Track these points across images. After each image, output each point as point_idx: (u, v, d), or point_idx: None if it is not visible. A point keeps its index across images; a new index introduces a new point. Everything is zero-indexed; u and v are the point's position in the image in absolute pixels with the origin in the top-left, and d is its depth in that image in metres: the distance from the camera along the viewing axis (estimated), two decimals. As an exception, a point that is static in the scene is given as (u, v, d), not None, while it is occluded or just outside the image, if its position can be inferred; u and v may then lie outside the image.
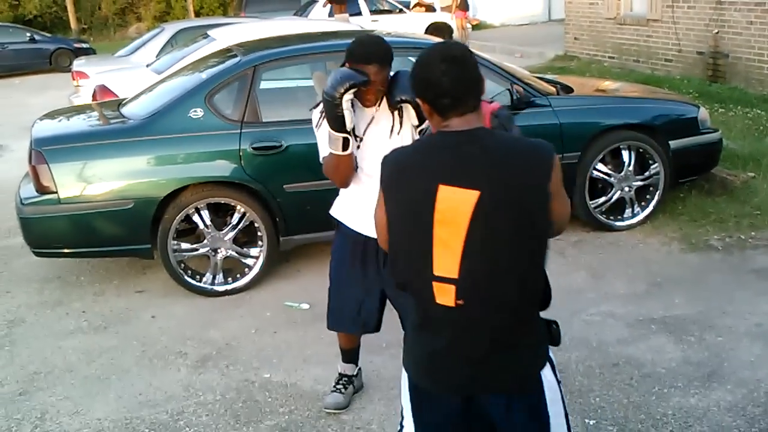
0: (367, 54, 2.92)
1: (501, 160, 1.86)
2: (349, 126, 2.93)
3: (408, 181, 1.93)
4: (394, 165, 1.98)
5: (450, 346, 1.95)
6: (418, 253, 1.91)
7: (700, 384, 3.64)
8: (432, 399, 2.02)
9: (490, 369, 1.94)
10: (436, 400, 2.01)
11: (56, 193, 4.65)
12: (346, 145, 2.99)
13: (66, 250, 4.92)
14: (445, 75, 1.88)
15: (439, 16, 19.17)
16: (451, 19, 18.14)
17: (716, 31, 10.93)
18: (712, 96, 9.91)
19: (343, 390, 3.63)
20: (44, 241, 4.85)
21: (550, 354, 2.04)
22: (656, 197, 5.68)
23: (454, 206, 1.83)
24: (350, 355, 3.65)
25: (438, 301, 1.90)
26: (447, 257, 1.86)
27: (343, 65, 2.99)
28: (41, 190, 4.70)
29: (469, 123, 1.91)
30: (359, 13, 18.27)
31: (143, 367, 4.12)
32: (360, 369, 3.73)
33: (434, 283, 1.89)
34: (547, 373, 1.99)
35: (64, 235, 4.81)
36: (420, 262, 1.90)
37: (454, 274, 1.86)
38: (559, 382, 2.04)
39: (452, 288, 1.87)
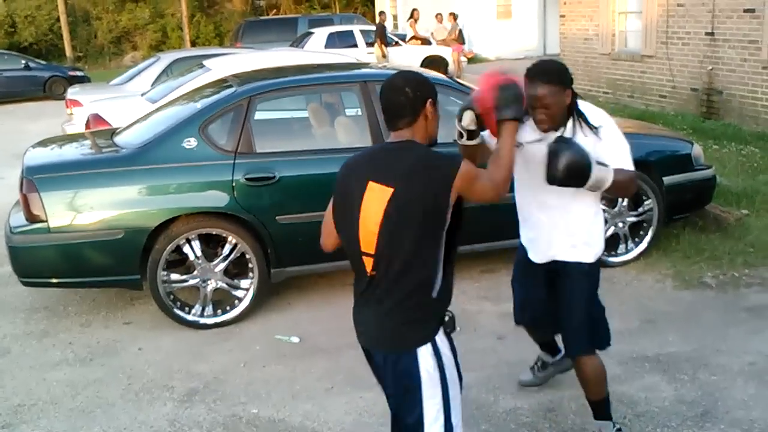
0: (529, 71, 2.97)
1: (414, 167, 2.38)
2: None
3: (350, 178, 2.50)
4: (346, 166, 2.57)
5: (365, 306, 2.52)
6: (350, 233, 2.47)
7: (693, 423, 3.59)
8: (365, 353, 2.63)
9: (379, 329, 2.49)
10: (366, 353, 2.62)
11: (46, 222, 4.61)
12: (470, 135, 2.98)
13: (54, 280, 4.86)
14: (385, 98, 2.49)
15: (434, 49, 19.33)
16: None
17: (710, 67, 11.04)
18: (706, 132, 9.97)
19: (537, 371, 3.93)
20: (33, 270, 4.79)
21: (438, 344, 2.44)
22: (650, 233, 5.67)
23: (375, 197, 2.39)
24: (542, 345, 3.85)
25: (366, 270, 2.45)
26: (368, 237, 2.41)
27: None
28: (31, 218, 4.65)
29: (402, 137, 2.47)
30: (355, 45, 18.41)
31: (128, 401, 4.04)
32: (560, 359, 3.82)
33: (363, 257, 2.45)
34: (424, 352, 2.41)
35: (52, 264, 4.75)
36: (353, 241, 2.47)
37: (372, 250, 2.41)
38: (442, 372, 2.43)
39: (371, 261, 2.43)
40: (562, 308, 3.26)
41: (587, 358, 3.25)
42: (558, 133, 3.02)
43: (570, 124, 3.03)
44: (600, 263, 3.26)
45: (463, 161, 2.44)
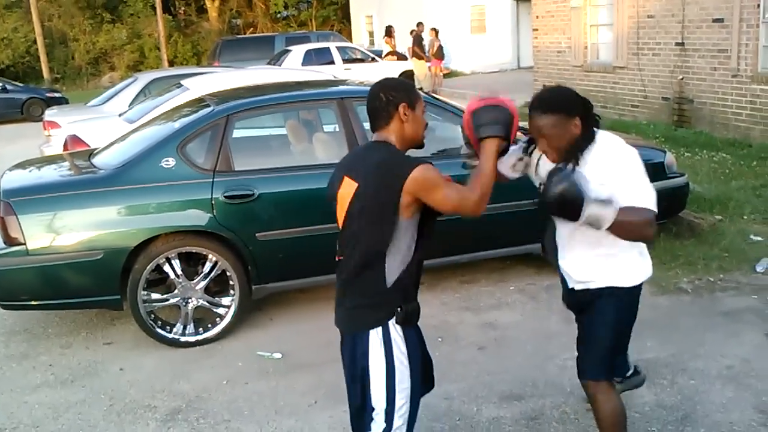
0: (531, 100, 2.89)
1: (376, 165, 2.57)
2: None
3: (336, 171, 2.76)
4: (338, 162, 2.85)
5: (337, 288, 2.76)
6: (337, 221, 2.74)
7: (673, 428, 3.64)
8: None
9: (340, 309, 2.74)
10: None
11: (24, 244, 4.58)
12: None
13: (34, 303, 4.81)
14: (367, 103, 2.70)
15: (410, 65, 19.46)
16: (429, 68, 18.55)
17: (681, 77, 11.22)
18: (678, 140, 10.12)
19: None
20: (11, 293, 4.76)
21: (390, 332, 2.61)
22: (626, 241, 5.72)
23: (346, 191, 2.65)
24: None
25: (337, 255, 2.74)
26: (340, 224, 2.70)
27: None
28: (9, 241, 4.62)
29: (380, 137, 2.68)
30: (332, 62, 18.50)
31: (111, 422, 4.02)
32: (631, 376, 3.70)
33: (338, 242, 2.72)
34: (374, 337, 2.60)
35: (31, 287, 4.72)
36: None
37: (342, 236, 2.69)
38: (390, 359, 2.59)
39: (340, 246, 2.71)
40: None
41: (603, 393, 3.01)
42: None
43: (586, 155, 2.80)
44: (635, 290, 3.02)
45: (423, 167, 2.54)
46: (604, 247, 2.91)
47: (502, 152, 2.80)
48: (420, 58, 18.28)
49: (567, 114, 2.76)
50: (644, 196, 2.71)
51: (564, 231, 3.06)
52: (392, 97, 2.65)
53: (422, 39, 18.38)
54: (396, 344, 2.62)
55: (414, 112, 2.67)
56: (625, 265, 2.96)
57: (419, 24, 18.95)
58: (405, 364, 2.63)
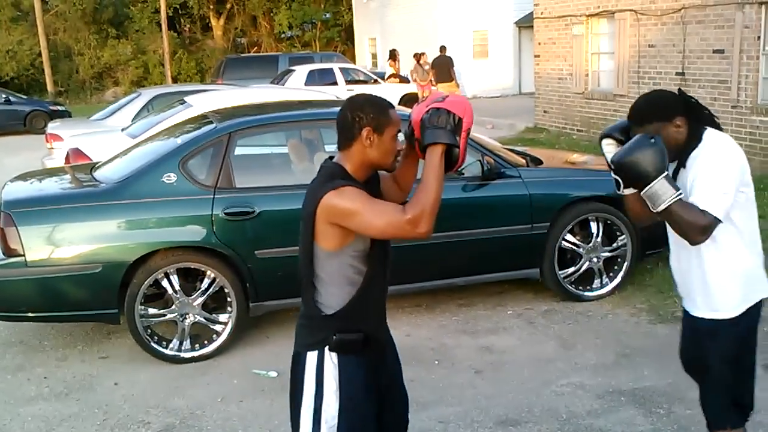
0: (628, 114, 2.78)
1: (309, 190, 2.44)
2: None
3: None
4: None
5: None
6: None
7: (669, 457, 3.62)
8: None
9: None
10: None
11: (23, 256, 4.58)
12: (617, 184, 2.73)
13: (31, 314, 4.81)
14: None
15: (412, 88, 19.55)
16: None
17: (681, 107, 11.26)
18: (678, 170, 10.12)
19: None
20: (8, 304, 4.75)
21: (325, 359, 2.45)
22: (624, 268, 5.74)
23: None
24: None
25: None
26: None
27: None
28: (8, 252, 4.63)
29: (337, 158, 2.48)
30: (335, 83, 18.59)
31: (104, 436, 4.01)
32: None
33: None
34: (311, 359, 2.47)
35: (29, 299, 4.72)
36: None
37: None
38: (320, 388, 2.45)
39: None
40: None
41: None
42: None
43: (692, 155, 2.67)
44: (743, 319, 2.74)
45: (333, 193, 2.32)
46: (707, 257, 2.71)
47: (451, 161, 2.41)
48: (450, 80, 18.16)
49: (664, 119, 2.67)
50: (712, 200, 2.55)
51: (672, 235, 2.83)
52: (358, 118, 2.38)
53: (450, 61, 18.23)
54: (329, 372, 2.45)
55: (381, 138, 2.39)
56: (725, 287, 2.72)
57: (443, 48, 19.00)
58: (336, 394, 2.45)
